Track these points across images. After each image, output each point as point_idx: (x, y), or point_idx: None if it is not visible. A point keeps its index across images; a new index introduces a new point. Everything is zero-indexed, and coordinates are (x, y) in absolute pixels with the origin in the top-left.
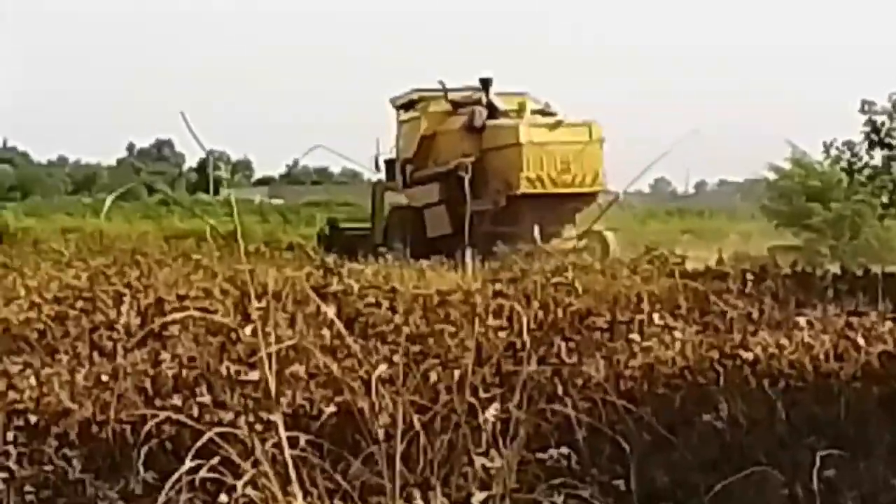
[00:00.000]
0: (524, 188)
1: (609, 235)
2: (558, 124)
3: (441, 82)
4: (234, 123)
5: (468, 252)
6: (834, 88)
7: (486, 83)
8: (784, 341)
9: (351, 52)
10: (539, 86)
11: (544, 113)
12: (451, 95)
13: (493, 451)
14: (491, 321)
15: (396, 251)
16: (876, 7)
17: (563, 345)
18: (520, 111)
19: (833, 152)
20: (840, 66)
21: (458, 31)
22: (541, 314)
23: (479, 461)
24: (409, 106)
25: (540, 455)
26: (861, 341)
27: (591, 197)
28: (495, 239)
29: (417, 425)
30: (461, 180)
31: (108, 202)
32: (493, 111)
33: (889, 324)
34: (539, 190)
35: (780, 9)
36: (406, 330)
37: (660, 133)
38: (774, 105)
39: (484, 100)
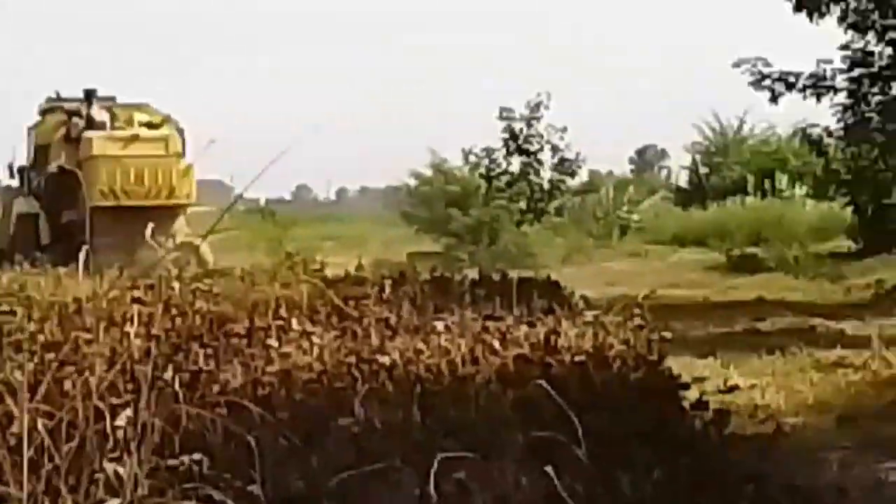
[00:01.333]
0: (97, 200)
1: (203, 247)
2: (135, 138)
3: (57, 92)
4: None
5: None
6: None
7: (88, 94)
8: (421, 346)
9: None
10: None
11: (151, 125)
12: (67, 106)
13: (125, 458)
14: (128, 328)
15: (24, 259)
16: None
17: (200, 351)
18: (128, 123)
19: (472, 159)
20: None
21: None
22: (179, 321)
23: (109, 467)
24: (45, 114)
25: (171, 461)
26: (497, 345)
27: (171, 210)
28: (87, 249)
29: (43, 432)
30: (56, 189)
31: None
32: (90, 123)
33: (524, 328)
34: (112, 202)
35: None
36: (41, 338)
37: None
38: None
39: (84, 111)
